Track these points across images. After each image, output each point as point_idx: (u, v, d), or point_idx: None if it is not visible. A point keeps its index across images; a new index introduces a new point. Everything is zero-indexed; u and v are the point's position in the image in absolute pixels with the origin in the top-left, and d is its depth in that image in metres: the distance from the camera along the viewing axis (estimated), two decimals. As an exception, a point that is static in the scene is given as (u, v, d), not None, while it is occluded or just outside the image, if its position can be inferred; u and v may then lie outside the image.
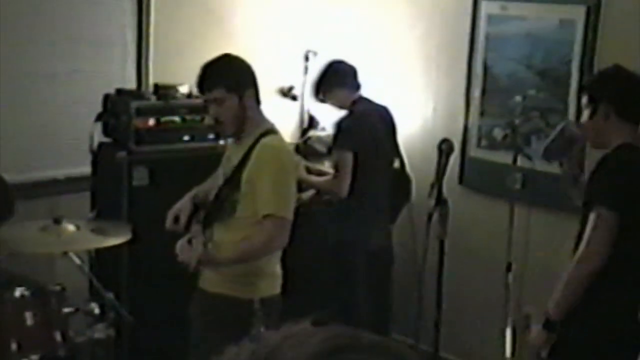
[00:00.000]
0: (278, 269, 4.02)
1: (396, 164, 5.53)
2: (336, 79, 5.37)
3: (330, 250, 5.33)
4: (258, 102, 3.96)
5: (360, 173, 5.18)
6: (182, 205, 4.09)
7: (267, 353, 0.79)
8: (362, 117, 5.29)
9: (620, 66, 3.83)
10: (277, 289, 4.01)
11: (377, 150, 5.29)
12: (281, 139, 4.06)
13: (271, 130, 3.94)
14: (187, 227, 4.04)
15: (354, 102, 5.34)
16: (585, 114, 3.80)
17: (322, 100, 5.48)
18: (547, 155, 4.36)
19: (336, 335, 0.82)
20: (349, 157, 5.15)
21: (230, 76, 3.89)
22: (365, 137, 5.22)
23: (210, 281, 3.95)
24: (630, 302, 3.73)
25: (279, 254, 3.99)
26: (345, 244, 5.31)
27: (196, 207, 4.09)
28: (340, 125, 5.29)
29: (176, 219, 4.06)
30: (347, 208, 5.23)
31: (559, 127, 4.26)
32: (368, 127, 5.28)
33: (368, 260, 5.33)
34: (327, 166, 5.63)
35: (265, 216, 3.76)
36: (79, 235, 4.29)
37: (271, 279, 3.98)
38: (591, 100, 3.78)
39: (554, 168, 4.69)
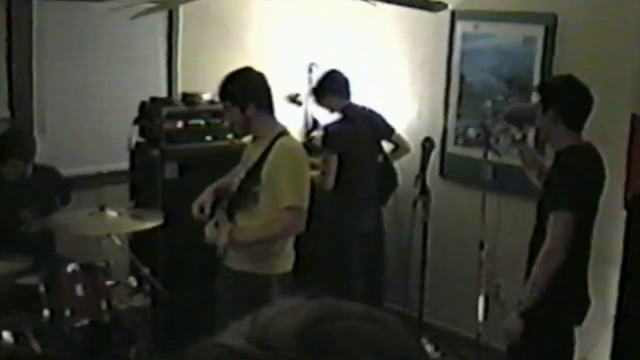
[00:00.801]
0: (291, 250, 4.04)
1: (380, 158, 5.55)
2: (330, 87, 5.42)
3: (327, 234, 5.33)
4: (269, 110, 3.99)
5: (348, 168, 5.21)
6: (205, 197, 4.08)
7: (264, 324, 0.76)
8: (349, 121, 5.34)
9: (573, 77, 3.79)
10: (290, 267, 4.04)
11: (362, 149, 5.32)
12: (294, 140, 4.12)
13: (285, 132, 3.99)
14: (212, 215, 4.05)
15: (345, 108, 5.39)
16: (539, 112, 3.77)
17: (319, 103, 5.53)
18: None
19: (323, 306, 0.78)
20: (333, 157, 5.20)
21: (234, 91, 3.94)
22: (351, 139, 5.26)
23: (234, 259, 3.95)
24: (571, 277, 3.76)
25: (292, 237, 4.04)
26: (339, 228, 5.35)
27: (217, 198, 4.10)
28: (327, 130, 5.37)
29: (201, 210, 4.06)
30: (339, 197, 5.26)
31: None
32: (353, 129, 5.31)
33: (362, 240, 5.37)
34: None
35: (286, 207, 3.79)
36: (120, 220, 4.35)
37: (285, 258, 4.01)
38: (542, 101, 3.76)
39: (518, 162, 4.81)
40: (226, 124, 4.30)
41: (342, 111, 5.39)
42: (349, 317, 0.77)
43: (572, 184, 3.64)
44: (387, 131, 5.58)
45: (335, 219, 5.34)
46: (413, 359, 0.78)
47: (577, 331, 4.30)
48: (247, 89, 3.95)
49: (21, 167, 4.67)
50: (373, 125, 5.48)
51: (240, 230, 3.93)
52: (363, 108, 5.51)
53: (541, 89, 3.88)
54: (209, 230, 3.96)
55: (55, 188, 4.90)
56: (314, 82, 5.65)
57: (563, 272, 3.68)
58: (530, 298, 3.65)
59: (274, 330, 0.75)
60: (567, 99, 3.75)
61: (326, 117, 5.75)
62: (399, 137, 5.62)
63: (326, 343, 0.73)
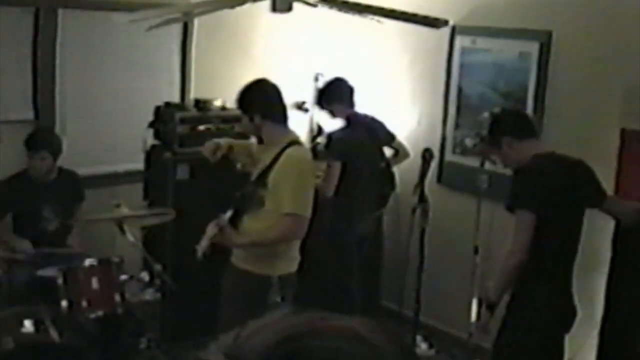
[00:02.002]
0: (296, 253, 4.08)
1: (382, 164, 5.56)
2: (335, 95, 5.42)
3: (326, 237, 5.29)
4: (279, 120, 4.06)
5: (349, 175, 5.20)
6: (221, 143, 4.22)
7: (243, 339, 0.75)
8: (352, 129, 5.33)
9: (502, 110, 4.05)
10: (293, 269, 4.07)
11: (363, 156, 5.31)
12: (303, 150, 4.16)
13: (295, 142, 4.05)
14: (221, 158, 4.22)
15: (348, 116, 5.38)
16: (495, 151, 3.94)
17: (322, 108, 5.52)
18: None
19: (299, 323, 0.77)
20: (336, 165, 5.19)
21: (245, 102, 4.05)
22: (353, 147, 5.26)
23: (239, 258, 4.02)
24: (553, 285, 3.80)
25: (297, 241, 4.06)
26: (337, 232, 5.35)
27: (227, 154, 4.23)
28: (331, 137, 5.35)
29: (214, 152, 4.21)
30: (339, 203, 5.24)
31: None
32: (355, 138, 5.31)
33: (359, 243, 5.38)
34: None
35: (286, 214, 3.84)
36: (134, 217, 4.45)
37: (288, 261, 4.04)
38: (492, 142, 3.91)
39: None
40: (237, 129, 4.34)
41: (346, 119, 5.39)
42: (323, 335, 0.75)
43: (528, 186, 3.71)
44: (388, 138, 5.60)
45: (334, 224, 5.33)
46: None
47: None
48: (255, 99, 4.04)
49: (50, 162, 4.76)
50: (375, 133, 5.49)
51: (242, 232, 3.97)
52: (365, 116, 5.51)
53: (486, 137, 4.00)
54: (210, 229, 4.00)
55: (75, 191, 4.97)
56: (320, 87, 5.66)
57: (545, 278, 3.72)
58: (495, 293, 3.74)
59: (248, 347, 0.74)
60: (506, 120, 3.94)
61: (331, 123, 5.77)
62: (399, 143, 5.65)
63: None
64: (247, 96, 4.06)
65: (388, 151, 5.69)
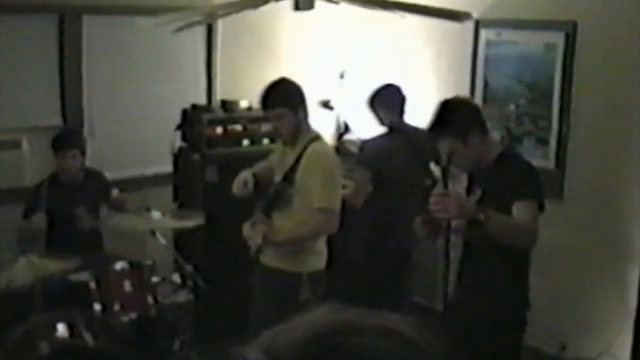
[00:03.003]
0: (323, 248, 4.06)
1: (427, 181, 4.93)
2: (385, 101, 5.09)
3: (362, 244, 5.12)
4: (307, 115, 4.04)
5: (382, 186, 4.90)
6: (247, 176, 4.09)
7: (284, 332, 0.75)
8: (388, 138, 5.01)
9: (451, 99, 3.57)
10: (322, 265, 4.05)
11: (397, 168, 4.93)
12: (326, 145, 4.14)
13: (317, 137, 4.03)
14: (255, 189, 4.07)
15: (392, 125, 5.04)
16: (458, 149, 3.38)
17: (372, 111, 5.14)
18: None
19: (335, 321, 0.76)
20: (366, 174, 4.90)
21: (289, 97, 3.96)
22: (387, 156, 4.93)
23: (267, 256, 4.00)
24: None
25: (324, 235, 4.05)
26: (372, 243, 5.10)
27: (256, 182, 4.09)
28: (363, 147, 5.13)
29: (244, 184, 4.08)
30: (371, 214, 4.99)
31: None
32: (392, 147, 4.95)
33: (392, 252, 5.09)
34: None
35: (319, 208, 3.84)
36: (164, 220, 4.44)
37: (317, 256, 4.03)
38: (458, 135, 3.41)
39: (542, 164, 4.74)
40: (263, 129, 4.27)
41: (389, 127, 5.07)
42: (359, 333, 0.74)
43: (538, 180, 3.42)
44: (438, 155, 5.29)
45: (368, 235, 5.12)
46: None
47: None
48: (297, 92, 3.99)
49: (80, 160, 4.78)
50: (420, 147, 4.93)
51: (275, 230, 3.96)
52: (414, 129, 5.05)
53: (449, 131, 3.46)
54: (246, 229, 4.01)
55: (103, 191, 4.99)
56: (373, 90, 5.22)
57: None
58: (488, 222, 3.14)
59: (284, 344, 0.74)
60: (474, 109, 3.66)
61: (357, 122, 5.72)
62: None
63: (326, 359, 0.72)
64: (286, 91, 3.97)
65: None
